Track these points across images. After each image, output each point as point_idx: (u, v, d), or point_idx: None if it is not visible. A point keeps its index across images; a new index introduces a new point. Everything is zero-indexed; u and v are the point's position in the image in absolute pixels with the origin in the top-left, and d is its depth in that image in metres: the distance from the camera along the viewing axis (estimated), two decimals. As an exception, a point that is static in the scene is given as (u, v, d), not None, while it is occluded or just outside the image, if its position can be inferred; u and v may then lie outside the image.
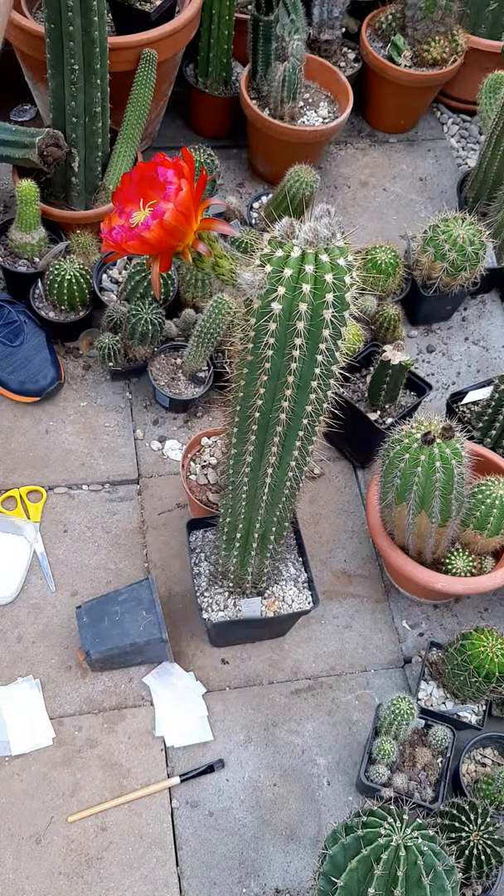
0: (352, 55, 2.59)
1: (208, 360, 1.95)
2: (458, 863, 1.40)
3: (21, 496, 1.87)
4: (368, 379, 1.89)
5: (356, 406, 1.88)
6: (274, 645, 1.78)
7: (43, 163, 1.92)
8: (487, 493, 1.65)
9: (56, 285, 1.96)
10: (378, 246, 2.07)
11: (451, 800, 1.49)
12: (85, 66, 1.84)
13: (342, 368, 1.14)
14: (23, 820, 1.55)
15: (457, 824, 1.43)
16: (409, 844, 1.10)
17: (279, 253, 1.01)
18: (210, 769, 1.63)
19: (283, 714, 1.71)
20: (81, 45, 1.79)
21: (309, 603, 1.66)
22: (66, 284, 1.95)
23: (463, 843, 1.41)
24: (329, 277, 1.00)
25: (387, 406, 1.91)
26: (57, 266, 1.95)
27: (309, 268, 1.00)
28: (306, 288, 1.01)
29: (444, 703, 1.69)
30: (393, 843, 1.10)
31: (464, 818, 1.43)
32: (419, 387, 1.95)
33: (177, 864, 1.55)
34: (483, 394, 1.96)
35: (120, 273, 2.09)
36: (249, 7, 2.26)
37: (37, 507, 1.86)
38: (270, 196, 2.24)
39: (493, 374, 2.14)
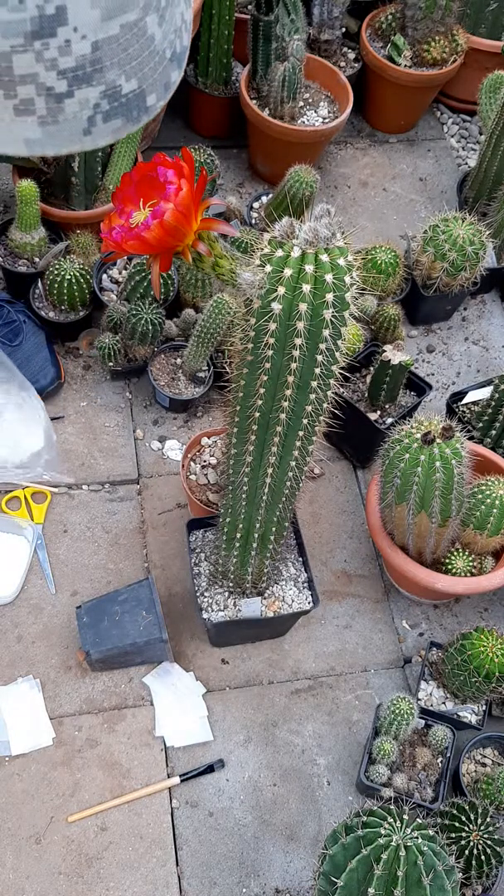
0: (352, 55, 2.59)
1: (208, 360, 1.95)
2: (458, 863, 1.40)
3: (26, 497, 1.87)
4: (368, 379, 1.89)
5: (356, 406, 1.88)
6: (274, 645, 1.78)
7: (43, 162, 1.92)
8: (487, 493, 1.65)
9: (56, 285, 1.96)
10: (378, 246, 2.07)
11: (451, 800, 1.49)
12: (85, 66, 1.83)
13: (342, 368, 1.14)
14: (23, 820, 1.55)
15: (457, 824, 1.43)
16: (409, 844, 1.10)
17: (279, 253, 1.01)
18: (210, 769, 1.63)
19: (283, 714, 1.71)
20: (81, 45, 1.79)
21: (309, 603, 1.66)
22: (66, 284, 1.95)
23: (463, 843, 1.41)
24: (329, 277, 1.00)
25: (387, 406, 1.91)
26: (57, 266, 1.95)
27: (309, 268, 1.00)
28: (306, 288, 1.01)
29: (444, 703, 1.69)
30: (393, 843, 1.10)
31: (464, 818, 1.43)
32: (419, 387, 1.95)
33: (177, 864, 1.55)
34: (483, 394, 1.95)
35: (120, 273, 2.09)
36: (249, 7, 2.26)
37: (41, 509, 1.86)
38: (270, 196, 2.23)
39: (493, 374, 2.14)
